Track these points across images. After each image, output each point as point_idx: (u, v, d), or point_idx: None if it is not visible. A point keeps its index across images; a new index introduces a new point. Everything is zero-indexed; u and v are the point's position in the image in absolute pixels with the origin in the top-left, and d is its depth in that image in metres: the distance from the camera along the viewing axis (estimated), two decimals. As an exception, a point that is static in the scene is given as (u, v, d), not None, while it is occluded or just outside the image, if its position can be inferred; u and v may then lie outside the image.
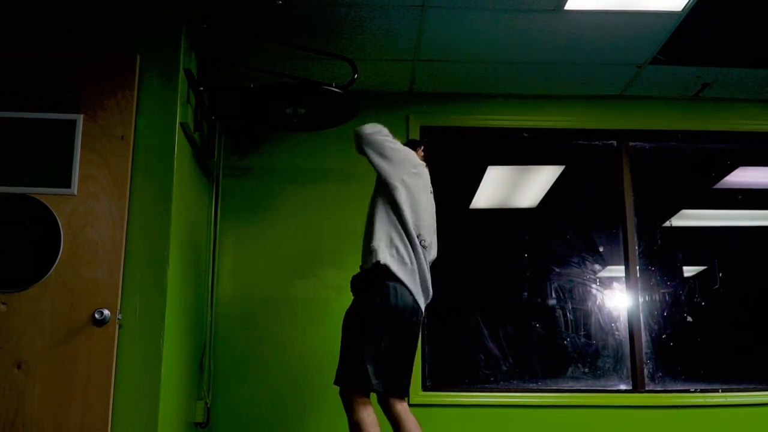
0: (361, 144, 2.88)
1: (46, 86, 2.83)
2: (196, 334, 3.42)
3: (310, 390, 3.62)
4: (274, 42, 3.26)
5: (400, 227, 2.80)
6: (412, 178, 2.87)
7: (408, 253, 2.79)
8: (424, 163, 3.03)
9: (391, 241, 2.79)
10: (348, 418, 2.70)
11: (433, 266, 2.96)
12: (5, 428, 2.55)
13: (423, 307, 2.86)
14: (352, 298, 2.88)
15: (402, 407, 2.77)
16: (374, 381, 2.67)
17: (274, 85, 3.14)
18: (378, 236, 2.79)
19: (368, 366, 2.66)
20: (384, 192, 2.86)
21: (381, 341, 2.70)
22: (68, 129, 2.79)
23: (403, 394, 2.79)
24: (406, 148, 2.98)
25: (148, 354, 2.71)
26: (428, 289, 2.89)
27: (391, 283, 2.74)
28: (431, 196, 3.02)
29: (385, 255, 2.75)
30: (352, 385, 2.70)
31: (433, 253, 2.99)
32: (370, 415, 2.67)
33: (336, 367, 2.77)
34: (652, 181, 4.10)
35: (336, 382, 2.74)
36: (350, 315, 2.81)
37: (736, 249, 4.18)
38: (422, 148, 3.15)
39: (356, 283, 2.92)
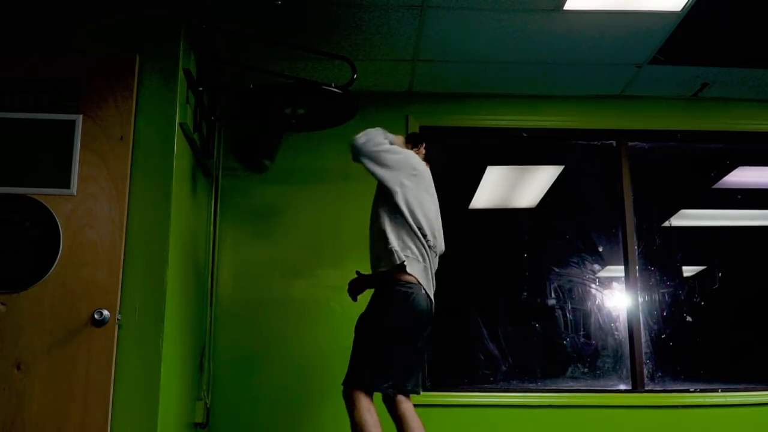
0: (356, 155, 2.92)
1: (46, 86, 2.83)
2: (195, 334, 3.42)
3: (311, 390, 3.63)
4: (274, 42, 3.26)
5: (407, 228, 2.83)
6: (411, 180, 2.89)
7: (420, 251, 2.83)
8: (424, 163, 3.04)
9: (404, 242, 2.82)
10: (350, 417, 2.70)
11: (433, 266, 2.97)
12: (5, 428, 2.55)
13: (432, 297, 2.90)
14: (353, 297, 2.89)
15: (407, 407, 2.79)
16: (384, 384, 2.70)
17: (274, 85, 3.14)
18: (391, 239, 2.81)
19: (379, 371, 2.69)
20: (385, 197, 2.89)
21: (394, 346, 2.72)
22: (67, 129, 2.79)
23: (410, 391, 2.81)
24: (405, 151, 3.00)
25: (148, 354, 2.71)
26: (434, 284, 2.93)
27: (404, 289, 2.75)
28: (434, 195, 3.03)
29: (403, 256, 2.78)
30: (363, 385, 2.70)
31: (440, 247, 3.01)
32: (372, 416, 2.68)
33: (338, 366, 2.78)
34: (651, 180, 4.10)
35: (345, 383, 2.75)
36: (365, 319, 2.82)
37: (735, 249, 4.18)
38: (424, 145, 3.15)
39: (360, 286, 2.98)
